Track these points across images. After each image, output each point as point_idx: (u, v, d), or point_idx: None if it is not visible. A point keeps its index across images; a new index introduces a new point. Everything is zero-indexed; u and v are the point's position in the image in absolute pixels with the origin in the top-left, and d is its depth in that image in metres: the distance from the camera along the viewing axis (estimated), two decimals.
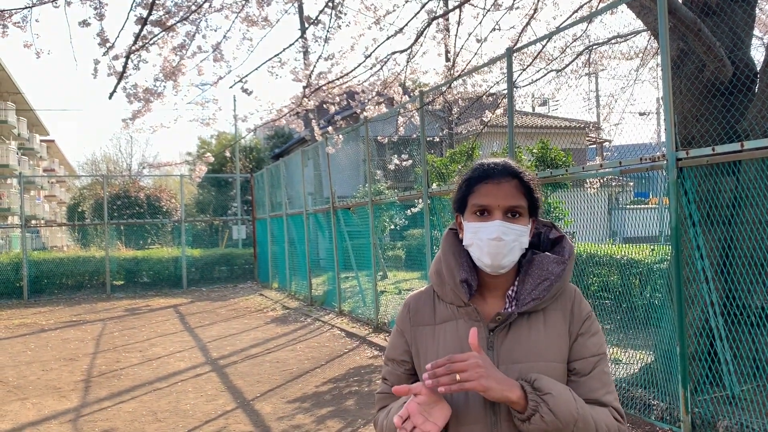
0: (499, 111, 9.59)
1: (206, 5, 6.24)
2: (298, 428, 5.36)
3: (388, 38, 7.10)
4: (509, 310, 1.51)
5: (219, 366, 7.86)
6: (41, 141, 49.04)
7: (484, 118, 9.95)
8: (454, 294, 1.54)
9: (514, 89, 6.42)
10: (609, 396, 1.50)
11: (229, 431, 5.34)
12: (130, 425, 5.57)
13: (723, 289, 4.53)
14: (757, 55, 5.45)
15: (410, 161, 10.95)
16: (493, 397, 1.36)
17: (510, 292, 1.54)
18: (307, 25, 6.68)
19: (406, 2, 8.43)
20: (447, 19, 8.67)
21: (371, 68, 7.56)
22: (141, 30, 5.65)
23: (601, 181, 7.26)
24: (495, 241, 1.46)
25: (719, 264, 4.58)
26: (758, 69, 5.12)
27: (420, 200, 8.72)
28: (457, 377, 1.34)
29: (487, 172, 1.51)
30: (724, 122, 4.78)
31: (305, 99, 7.63)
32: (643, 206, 7.79)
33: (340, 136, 10.11)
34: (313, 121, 9.60)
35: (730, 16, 4.99)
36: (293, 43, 6.79)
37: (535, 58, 8.94)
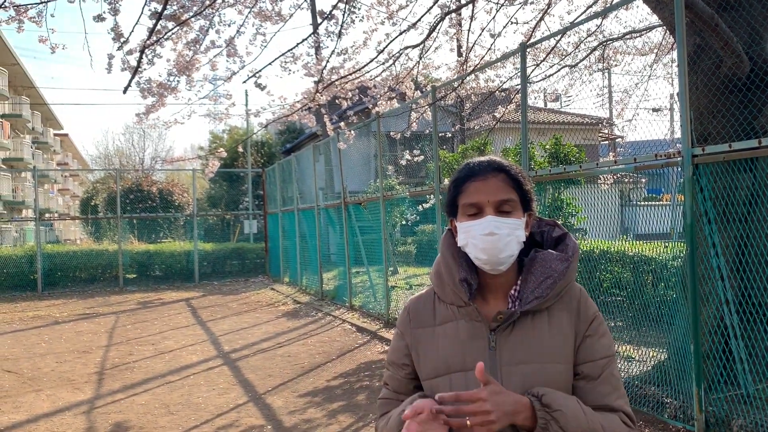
0: (511, 106, 9.55)
1: (220, 0, 6.25)
2: (309, 422, 5.38)
3: (400, 33, 7.09)
4: (511, 309, 1.47)
5: (231, 359, 7.90)
6: (55, 135, 49.48)
7: (496, 114, 9.92)
8: (454, 294, 1.51)
9: (527, 85, 6.39)
10: (620, 400, 1.46)
11: (240, 424, 5.37)
12: (143, 418, 5.61)
13: (738, 287, 4.49)
14: None
15: (422, 157, 10.94)
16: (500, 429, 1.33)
17: (512, 291, 1.50)
18: (320, 20, 6.67)
19: None
20: (460, 14, 8.64)
21: (384, 63, 7.55)
22: (155, 25, 5.67)
23: (614, 177, 7.21)
24: (488, 236, 1.42)
25: (735, 261, 4.54)
26: None
27: (431, 196, 8.71)
28: (468, 422, 1.29)
29: (473, 170, 1.49)
30: (741, 118, 4.73)
31: (317, 94, 7.63)
32: (656, 203, 7.74)
33: (352, 132, 10.11)
34: (325, 116, 9.60)
35: (748, 11, 4.93)
36: (306, 38, 6.79)
37: (549, 53, 8.89)
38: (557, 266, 1.47)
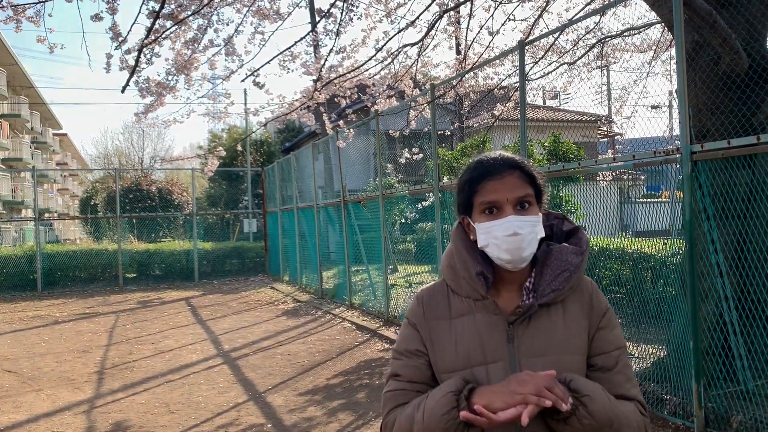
0: (510, 104, 9.55)
1: None
2: (309, 421, 5.39)
3: (399, 31, 7.08)
4: (528, 302, 1.49)
5: (231, 358, 7.90)
6: (54, 135, 49.43)
7: (495, 112, 9.92)
8: (470, 287, 1.51)
9: (526, 82, 6.39)
10: (634, 390, 1.50)
11: (241, 423, 5.38)
12: (143, 417, 5.61)
13: (737, 283, 4.49)
14: None
15: (421, 155, 10.94)
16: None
17: (527, 284, 1.51)
18: (318, 18, 6.67)
19: None
20: (458, 12, 8.64)
21: (382, 61, 7.55)
22: (153, 24, 5.67)
23: (613, 174, 7.22)
24: (512, 237, 1.42)
25: (734, 258, 4.54)
26: None
27: (431, 194, 8.71)
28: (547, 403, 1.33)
29: (488, 168, 1.47)
30: (740, 115, 4.73)
31: (316, 92, 7.63)
32: (654, 200, 7.74)
33: (351, 130, 10.11)
34: (324, 114, 9.60)
35: (746, 8, 4.93)
36: (305, 37, 6.79)
37: (547, 50, 8.89)
38: (573, 259, 1.49)
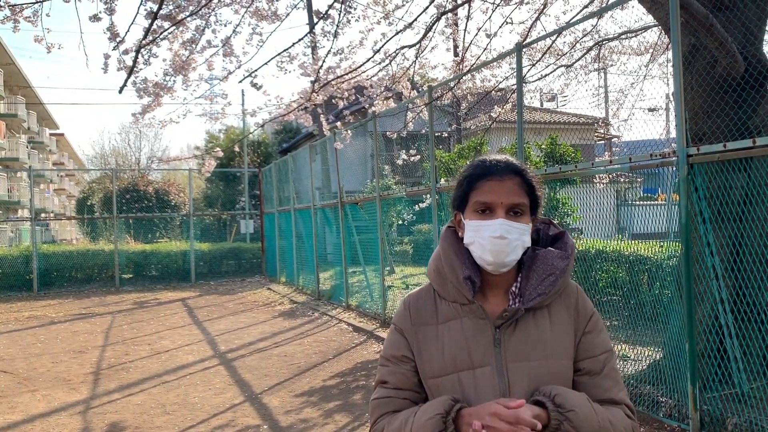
0: (507, 106, 9.56)
1: None
2: (305, 422, 5.38)
3: (397, 33, 7.09)
4: (514, 306, 1.49)
5: (227, 359, 7.89)
6: (51, 135, 49.32)
7: (492, 114, 9.93)
8: (457, 292, 1.51)
9: (523, 84, 6.40)
10: (621, 393, 1.50)
11: (237, 424, 5.37)
12: (139, 418, 5.60)
13: (733, 286, 4.51)
14: None
15: (418, 156, 10.95)
16: None
17: (513, 288, 1.51)
18: (316, 20, 6.68)
19: None
20: (456, 14, 8.65)
21: (380, 63, 7.56)
22: (151, 24, 5.66)
23: (610, 177, 7.23)
24: (498, 240, 1.43)
25: (729, 261, 4.55)
26: None
27: (428, 195, 8.72)
28: None
29: (489, 169, 1.48)
30: (736, 118, 4.75)
31: (314, 94, 7.63)
32: (651, 202, 7.76)
33: (349, 131, 10.11)
34: (322, 115, 9.59)
35: (743, 12, 4.95)
36: (303, 38, 6.79)
37: (545, 53, 8.91)
38: (558, 264, 1.50)
